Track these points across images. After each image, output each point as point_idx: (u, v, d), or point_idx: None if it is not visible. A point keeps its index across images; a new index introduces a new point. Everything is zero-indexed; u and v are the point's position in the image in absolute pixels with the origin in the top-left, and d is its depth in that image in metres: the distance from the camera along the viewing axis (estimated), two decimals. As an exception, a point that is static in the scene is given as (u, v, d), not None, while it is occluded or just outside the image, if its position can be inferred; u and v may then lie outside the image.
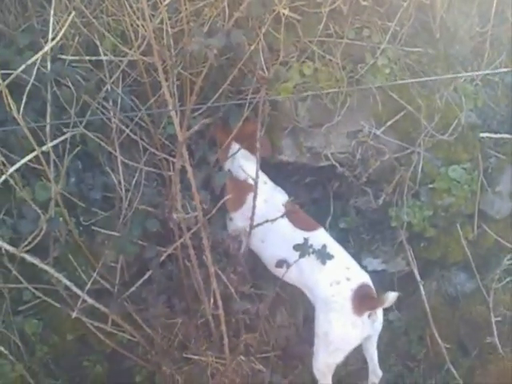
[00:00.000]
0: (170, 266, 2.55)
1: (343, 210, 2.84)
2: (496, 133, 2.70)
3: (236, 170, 2.55)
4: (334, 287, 2.41)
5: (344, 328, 2.39)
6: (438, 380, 2.76)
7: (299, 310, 2.89)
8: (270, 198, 2.54)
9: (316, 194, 2.83)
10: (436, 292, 2.88)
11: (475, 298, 2.82)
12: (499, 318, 2.73)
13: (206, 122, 2.08)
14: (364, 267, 2.77)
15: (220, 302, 2.42)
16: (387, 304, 2.35)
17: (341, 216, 2.84)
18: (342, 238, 2.73)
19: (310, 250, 2.38)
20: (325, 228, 2.61)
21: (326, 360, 2.47)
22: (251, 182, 2.38)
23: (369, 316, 2.38)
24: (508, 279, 2.79)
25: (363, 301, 2.37)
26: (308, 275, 2.47)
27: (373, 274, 2.81)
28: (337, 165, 2.63)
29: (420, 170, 2.65)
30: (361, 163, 2.63)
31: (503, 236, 2.84)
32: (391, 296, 2.31)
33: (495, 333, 2.69)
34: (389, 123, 2.59)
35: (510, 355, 2.71)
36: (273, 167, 2.73)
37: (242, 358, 2.55)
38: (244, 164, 2.53)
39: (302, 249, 2.39)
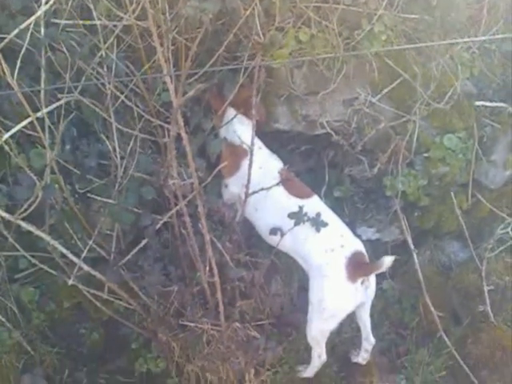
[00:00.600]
0: (166, 234, 2.57)
1: (338, 178, 2.85)
2: (491, 101, 2.70)
3: (231, 135, 2.54)
4: (329, 254, 2.43)
5: (338, 295, 2.42)
6: (430, 348, 2.77)
7: (294, 278, 2.92)
8: (265, 164, 2.53)
9: (311, 163, 2.84)
10: (429, 261, 2.92)
11: (468, 267, 2.85)
12: (492, 287, 2.75)
13: (200, 88, 2.05)
14: (358, 236, 2.78)
15: (215, 270, 2.43)
16: (384, 268, 2.38)
17: (336, 185, 2.85)
18: (337, 207, 2.74)
19: (305, 218, 2.39)
20: (320, 197, 2.62)
21: (319, 327, 2.50)
22: (246, 147, 2.37)
23: (362, 283, 2.41)
24: (501, 248, 2.81)
25: (357, 267, 2.40)
26: (302, 243, 2.49)
27: (367, 243, 2.84)
28: (332, 133, 2.63)
29: (415, 138, 2.65)
30: (356, 131, 2.63)
31: (497, 205, 2.86)
32: (387, 260, 2.34)
33: (487, 301, 2.71)
34: (385, 91, 2.59)
35: (502, 324, 2.73)
36: (268, 136, 2.72)
37: (238, 325, 2.57)
38: (239, 129, 2.52)
39: (297, 216, 2.40)
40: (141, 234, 2.54)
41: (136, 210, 2.49)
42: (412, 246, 2.76)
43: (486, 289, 2.71)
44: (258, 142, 2.50)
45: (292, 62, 2.46)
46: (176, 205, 2.35)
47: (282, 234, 2.45)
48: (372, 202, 2.86)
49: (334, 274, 2.42)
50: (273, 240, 2.54)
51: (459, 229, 2.83)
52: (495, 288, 2.76)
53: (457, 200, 2.79)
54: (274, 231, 2.48)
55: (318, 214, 2.41)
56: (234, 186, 2.57)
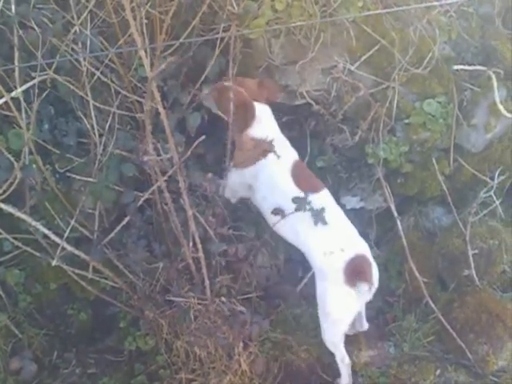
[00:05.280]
0: (149, 211, 2.56)
1: (320, 148, 2.84)
2: (470, 65, 2.68)
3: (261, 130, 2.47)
4: (328, 257, 2.38)
5: (339, 300, 2.38)
6: (417, 314, 2.79)
7: (280, 250, 2.93)
8: (281, 153, 2.47)
9: (293, 134, 2.81)
10: (414, 227, 2.92)
11: (452, 232, 2.84)
12: (476, 251, 2.75)
13: (172, 61, 2.02)
14: (343, 206, 2.80)
15: (200, 245, 2.43)
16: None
17: (318, 155, 2.85)
18: (320, 177, 2.70)
19: (307, 207, 2.32)
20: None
21: (330, 331, 2.47)
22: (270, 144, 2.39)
23: (364, 286, 2.34)
24: (484, 212, 2.81)
25: (356, 272, 2.33)
26: (303, 241, 2.45)
27: (351, 212, 2.86)
28: (312, 103, 2.61)
29: (395, 105, 2.64)
30: (336, 100, 2.61)
31: (480, 169, 2.86)
32: None
33: (472, 265, 2.71)
34: (363, 58, 2.57)
35: (487, 287, 2.74)
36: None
37: (223, 299, 2.58)
38: (269, 125, 2.50)
39: (300, 203, 2.33)
40: (124, 211, 2.52)
41: (117, 187, 2.49)
42: (395, 213, 2.75)
43: (470, 253, 2.70)
44: (276, 130, 2.49)
45: (269, 32, 2.43)
46: (157, 181, 2.35)
47: (283, 216, 2.37)
48: (355, 170, 2.86)
49: (333, 278, 2.36)
50: (279, 229, 2.49)
51: (442, 194, 2.83)
52: (479, 252, 2.76)
53: (439, 165, 2.79)
54: (276, 211, 2.41)
55: (322, 210, 2.34)
56: (243, 177, 2.52)
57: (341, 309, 2.41)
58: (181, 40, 2.20)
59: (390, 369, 2.67)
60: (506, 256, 2.76)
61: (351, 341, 2.66)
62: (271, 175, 2.47)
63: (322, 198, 2.45)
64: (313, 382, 2.61)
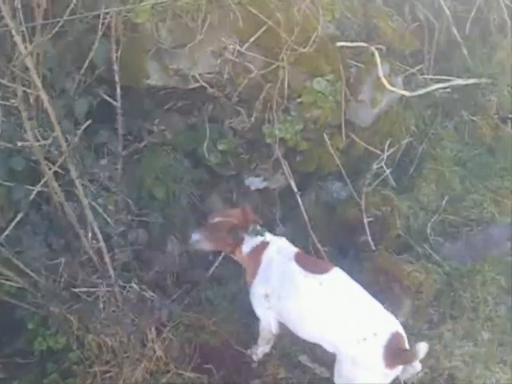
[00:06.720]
0: (45, 206, 2.48)
1: (220, 132, 2.86)
2: (353, 42, 2.78)
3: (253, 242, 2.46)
4: (362, 344, 2.22)
5: (375, 380, 2.25)
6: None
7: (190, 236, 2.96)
8: (281, 248, 2.45)
9: (192, 120, 2.83)
10: (315, 202, 3.05)
11: (349, 203, 2.98)
12: (371, 219, 2.90)
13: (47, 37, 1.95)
14: (247, 187, 2.87)
15: (100, 235, 2.40)
16: (421, 356, 2.18)
17: (219, 138, 2.85)
18: (222, 160, 2.78)
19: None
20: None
21: None
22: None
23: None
24: (377, 182, 2.96)
25: (397, 356, 2.20)
26: (331, 333, 2.29)
27: (256, 192, 2.96)
28: (206, 86, 2.63)
29: (286, 85, 2.70)
30: (229, 82, 2.64)
31: (371, 143, 3.02)
32: (422, 348, 2.16)
33: (368, 232, 2.87)
34: (252, 39, 2.60)
35: (383, 251, 2.88)
36: (144, 95, 2.69)
37: (131, 286, 2.56)
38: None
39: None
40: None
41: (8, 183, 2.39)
42: (295, 189, 2.85)
43: (366, 221, 2.86)
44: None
45: (156, 16, 2.41)
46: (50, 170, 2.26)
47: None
48: (256, 151, 2.91)
49: (371, 366, 2.21)
50: (304, 333, 2.38)
51: (340, 169, 2.95)
52: (374, 219, 2.92)
53: (333, 141, 2.90)
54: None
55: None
56: (260, 286, 2.42)
57: None
58: (58, 19, 2.10)
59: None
60: (399, 221, 2.94)
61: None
62: (280, 267, 2.39)
63: (337, 277, 2.38)
64: (228, 357, 2.62)
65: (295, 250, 2.44)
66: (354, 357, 2.24)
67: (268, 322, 2.46)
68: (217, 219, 2.51)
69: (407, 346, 2.24)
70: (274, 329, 2.47)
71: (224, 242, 2.50)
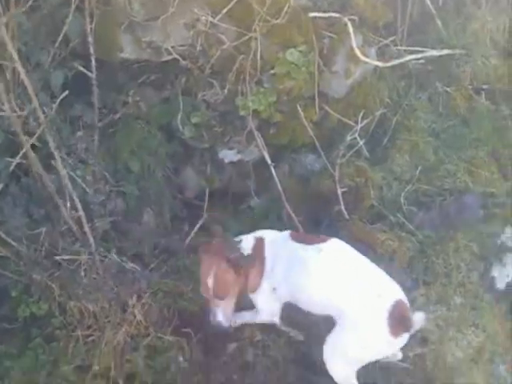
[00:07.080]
0: (24, 178, 2.54)
1: (193, 105, 2.89)
2: (326, 12, 2.79)
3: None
4: (366, 306, 2.24)
5: (378, 347, 2.27)
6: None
7: (166, 209, 2.99)
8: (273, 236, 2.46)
9: (165, 93, 2.86)
10: (289, 174, 3.09)
11: (323, 175, 3.02)
12: (345, 189, 2.95)
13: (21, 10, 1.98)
14: (221, 160, 2.91)
15: (79, 205, 2.46)
16: (418, 326, 2.24)
17: (192, 111, 2.88)
18: (196, 133, 2.81)
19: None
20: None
21: (344, 370, 2.34)
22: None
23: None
24: (350, 153, 3.00)
25: (401, 323, 2.21)
26: (337, 297, 2.30)
27: (230, 165, 2.99)
28: (179, 58, 2.66)
29: (259, 56, 2.73)
30: (202, 54, 2.67)
31: (345, 114, 3.04)
32: (419, 317, 2.23)
33: (341, 202, 2.92)
34: (224, 11, 2.62)
35: (357, 221, 2.93)
36: (118, 69, 2.73)
37: (114, 256, 2.64)
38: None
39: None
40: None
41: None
42: (269, 161, 2.90)
43: (339, 191, 2.91)
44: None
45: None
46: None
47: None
48: (229, 124, 2.94)
49: (375, 330, 2.22)
50: (309, 306, 2.39)
51: (313, 141, 3.00)
52: (348, 190, 2.96)
53: (306, 113, 2.93)
54: None
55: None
56: (267, 282, 2.41)
57: (375, 355, 2.30)
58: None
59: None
60: (373, 191, 2.98)
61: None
62: (279, 256, 2.39)
63: (337, 244, 2.40)
64: (206, 322, 2.61)
65: (287, 231, 2.48)
66: (355, 319, 2.25)
67: (271, 314, 2.49)
68: (212, 279, 2.36)
69: (410, 315, 2.25)
70: (277, 319, 2.50)
71: (238, 284, 2.39)
